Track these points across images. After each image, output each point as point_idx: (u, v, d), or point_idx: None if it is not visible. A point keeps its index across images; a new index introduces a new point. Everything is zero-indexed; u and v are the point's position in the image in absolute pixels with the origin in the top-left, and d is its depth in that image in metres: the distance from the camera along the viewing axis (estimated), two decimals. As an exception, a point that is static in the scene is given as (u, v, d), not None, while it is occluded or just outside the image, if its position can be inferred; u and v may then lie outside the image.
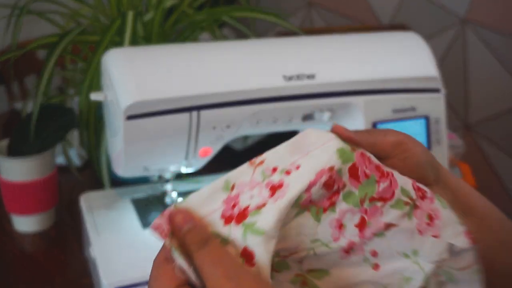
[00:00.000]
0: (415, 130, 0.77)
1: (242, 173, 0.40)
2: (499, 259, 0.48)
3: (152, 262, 0.68)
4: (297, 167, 0.40)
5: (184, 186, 0.85)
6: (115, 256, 0.69)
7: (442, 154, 0.78)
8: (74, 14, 0.94)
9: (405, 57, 0.78)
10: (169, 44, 0.90)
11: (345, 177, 0.40)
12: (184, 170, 0.75)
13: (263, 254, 0.37)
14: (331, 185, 0.40)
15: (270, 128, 0.75)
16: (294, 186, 0.39)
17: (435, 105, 0.78)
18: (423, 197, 0.43)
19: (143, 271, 0.66)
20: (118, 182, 0.93)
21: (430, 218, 0.42)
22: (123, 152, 0.67)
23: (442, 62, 1.83)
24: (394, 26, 1.75)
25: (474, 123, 1.83)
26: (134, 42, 0.81)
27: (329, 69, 0.73)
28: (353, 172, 0.40)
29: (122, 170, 0.72)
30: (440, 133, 0.78)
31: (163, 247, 0.41)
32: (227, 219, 0.39)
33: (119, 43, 0.82)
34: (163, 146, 0.69)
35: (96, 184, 0.96)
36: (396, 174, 0.42)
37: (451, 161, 1.05)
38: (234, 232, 0.38)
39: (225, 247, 0.38)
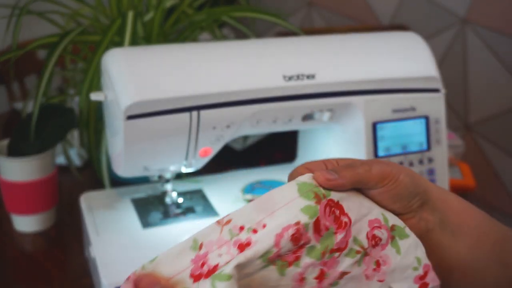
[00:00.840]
0: (415, 130, 0.77)
1: (210, 232, 0.41)
2: (492, 272, 0.48)
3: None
4: (263, 226, 0.40)
5: (184, 186, 0.85)
6: (115, 256, 0.69)
7: (442, 154, 0.78)
8: (74, 14, 0.94)
9: (405, 57, 0.78)
10: (169, 44, 0.90)
11: (310, 232, 0.41)
12: (184, 170, 0.75)
13: None
14: (298, 238, 0.41)
15: (270, 128, 0.75)
16: (262, 242, 0.40)
17: (435, 105, 0.78)
18: (375, 245, 0.44)
19: (143, 271, 0.66)
20: (118, 182, 0.93)
21: (378, 264, 0.44)
22: (123, 152, 0.67)
23: (442, 62, 1.83)
24: (394, 26, 1.75)
25: (474, 123, 1.83)
26: (134, 42, 0.81)
27: (329, 69, 0.73)
28: (316, 226, 0.41)
29: (122, 170, 0.72)
30: (440, 133, 0.78)
31: None
32: (196, 277, 0.40)
33: (119, 43, 0.83)
34: (163, 146, 0.69)
35: (96, 184, 0.96)
36: (353, 223, 0.43)
37: (451, 161, 1.05)
38: (203, 286, 0.39)
39: None
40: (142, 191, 0.84)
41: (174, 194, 0.80)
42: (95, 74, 0.84)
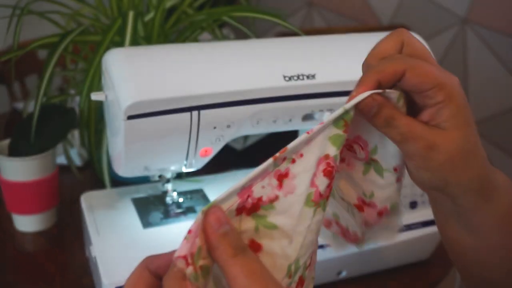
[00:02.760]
0: (415, 130, 0.77)
1: (262, 166, 0.41)
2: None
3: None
4: (301, 155, 0.42)
5: (185, 186, 0.85)
6: (116, 255, 0.69)
7: (441, 154, 0.78)
8: (75, 14, 0.94)
9: (405, 57, 0.78)
10: (170, 44, 0.91)
11: (337, 161, 0.43)
12: (185, 169, 0.76)
13: (270, 246, 0.40)
14: (331, 172, 0.42)
15: (270, 128, 0.75)
16: (301, 182, 0.41)
17: (435, 105, 0.78)
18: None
19: (144, 271, 0.66)
20: (118, 182, 0.93)
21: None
22: (124, 152, 0.67)
23: (442, 62, 1.83)
24: (394, 26, 1.76)
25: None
26: (135, 42, 0.81)
27: (329, 69, 0.73)
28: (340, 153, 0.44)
29: (123, 170, 0.72)
30: (439, 133, 0.78)
31: (177, 267, 0.38)
32: (239, 210, 0.40)
33: (119, 43, 0.83)
34: (164, 146, 0.69)
35: (97, 183, 0.96)
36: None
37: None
38: (245, 223, 0.40)
39: (260, 261, 0.37)
40: (142, 191, 0.84)
41: (175, 194, 0.80)
42: (96, 74, 0.84)
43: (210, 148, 0.72)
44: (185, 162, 0.73)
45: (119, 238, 0.72)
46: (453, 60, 1.81)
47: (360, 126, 0.47)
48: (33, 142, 0.85)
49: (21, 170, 0.85)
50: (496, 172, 0.47)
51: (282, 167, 0.41)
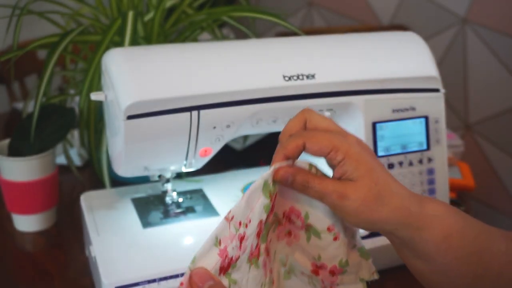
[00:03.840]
0: (415, 129, 0.77)
1: (223, 228, 0.50)
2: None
3: (152, 261, 0.68)
4: (249, 221, 0.51)
5: (184, 185, 0.85)
6: (115, 255, 0.69)
7: (441, 154, 0.79)
8: (74, 14, 0.94)
9: (405, 57, 0.78)
10: (169, 44, 0.91)
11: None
12: (184, 169, 0.76)
13: None
14: (259, 234, 0.52)
15: (270, 128, 0.75)
16: (249, 243, 0.51)
17: (435, 105, 0.78)
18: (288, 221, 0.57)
19: (143, 271, 0.66)
20: (118, 182, 0.93)
21: (289, 234, 0.57)
22: (123, 152, 0.67)
23: (442, 62, 1.83)
24: (394, 26, 1.76)
25: (473, 123, 1.83)
26: (135, 42, 0.81)
27: (329, 69, 0.73)
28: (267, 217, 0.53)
29: (122, 170, 0.72)
30: (439, 133, 0.78)
31: None
32: (221, 269, 0.50)
33: (119, 43, 0.83)
34: (163, 146, 0.69)
35: (97, 183, 0.96)
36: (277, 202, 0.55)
37: (450, 161, 1.05)
38: (224, 281, 0.50)
39: None
40: (142, 191, 0.84)
41: (174, 194, 0.80)
42: (95, 74, 0.84)
43: (210, 148, 0.72)
44: (185, 162, 0.73)
45: (119, 238, 0.72)
46: (453, 60, 1.81)
47: (290, 197, 0.55)
48: (33, 142, 0.85)
49: (21, 170, 0.85)
50: (428, 201, 0.53)
51: (241, 231, 0.50)
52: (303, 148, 0.53)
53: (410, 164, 0.77)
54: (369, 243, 0.75)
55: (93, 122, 0.89)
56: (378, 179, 0.51)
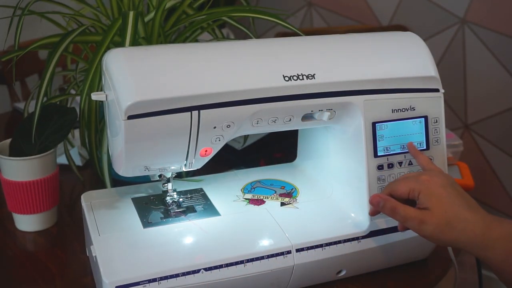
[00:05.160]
0: (414, 129, 0.77)
1: None
2: None
3: (152, 261, 0.68)
4: None
5: (185, 185, 0.86)
6: (116, 255, 0.69)
7: (441, 154, 0.79)
8: (75, 14, 0.95)
9: (404, 57, 0.78)
10: (170, 44, 0.91)
11: None
12: (185, 169, 0.76)
13: None
14: None
15: (270, 128, 0.75)
16: None
17: (434, 105, 0.78)
18: None
19: (144, 270, 0.66)
20: (119, 181, 0.93)
21: None
22: (124, 151, 0.68)
23: (441, 62, 1.83)
24: (394, 26, 1.76)
25: (472, 123, 1.84)
26: (135, 42, 0.81)
27: (329, 69, 0.73)
28: None
29: (123, 169, 0.72)
30: (439, 133, 0.79)
31: None
32: None
33: (120, 43, 0.83)
34: (164, 146, 0.69)
35: (97, 183, 0.96)
36: None
37: (450, 160, 1.06)
38: None
39: None
40: (142, 190, 0.84)
41: (175, 194, 0.80)
42: (96, 74, 0.85)
43: (210, 148, 0.73)
44: (185, 162, 0.73)
45: (120, 238, 0.73)
46: (452, 60, 1.81)
47: None
48: (34, 142, 0.85)
49: (22, 170, 0.85)
50: (498, 225, 0.64)
51: None
52: (391, 196, 0.69)
53: (410, 164, 0.77)
54: (369, 243, 0.75)
55: (94, 122, 0.90)
56: (447, 208, 0.65)
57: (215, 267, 0.68)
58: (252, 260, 0.70)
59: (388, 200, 0.68)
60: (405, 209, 0.67)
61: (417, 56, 0.78)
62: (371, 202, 0.70)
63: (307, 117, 0.76)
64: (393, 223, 0.75)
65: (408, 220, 0.66)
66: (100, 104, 0.89)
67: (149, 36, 0.91)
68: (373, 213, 0.73)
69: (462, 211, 0.64)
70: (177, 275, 0.67)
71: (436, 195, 0.65)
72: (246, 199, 0.83)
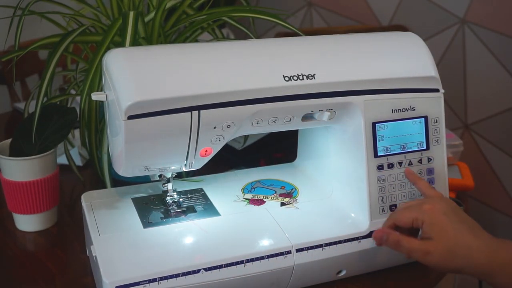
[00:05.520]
0: (414, 129, 0.77)
1: None
2: None
3: (153, 261, 0.68)
4: None
5: (185, 185, 0.86)
6: (116, 255, 0.69)
7: (441, 154, 0.79)
8: (75, 14, 0.95)
9: (404, 57, 0.78)
10: (170, 44, 0.91)
11: None
12: (185, 169, 0.76)
13: None
14: None
15: (270, 128, 0.75)
16: None
17: (434, 105, 0.78)
18: None
19: (144, 270, 0.66)
20: (119, 181, 0.93)
21: None
22: (124, 152, 0.68)
23: (441, 62, 1.83)
24: (394, 26, 1.76)
25: (472, 123, 1.84)
26: (135, 42, 0.81)
27: (329, 69, 0.73)
28: None
29: (123, 170, 0.72)
30: (439, 133, 0.79)
31: None
32: None
33: (120, 43, 0.83)
34: (164, 146, 0.69)
35: (97, 183, 0.96)
36: None
37: (450, 161, 1.06)
38: None
39: None
40: (143, 191, 0.84)
41: (175, 194, 0.80)
42: (96, 74, 0.85)
43: (210, 148, 0.73)
44: (185, 162, 0.73)
45: (120, 238, 0.73)
46: (452, 60, 1.81)
47: None
48: (34, 142, 0.85)
49: (22, 170, 0.85)
50: (503, 249, 0.64)
51: None
52: (395, 226, 0.70)
53: (410, 164, 0.78)
54: (369, 243, 0.75)
55: (94, 122, 0.90)
56: (449, 236, 0.65)
57: (215, 267, 0.68)
58: (252, 260, 0.70)
59: (391, 234, 0.69)
60: (408, 241, 0.67)
61: (417, 56, 0.78)
62: (374, 237, 0.71)
63: (307, 117, 0.76)
64: (393, 223, 0.75)
65: (412, 252, 0.67)
66: (100, 104, 0.89)
67: (149, 36, 0.91)
68: (379, 244, 0.72)
69: (464, 238, 0.65)
70: (177, 275, 0.67)
71: (438, 224, 0.66)
72: (246, 199, 0.83)
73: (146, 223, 0.76)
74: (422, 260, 0.66)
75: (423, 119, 0.78)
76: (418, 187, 0.75)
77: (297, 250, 0.72)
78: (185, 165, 0.74)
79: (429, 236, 0.66)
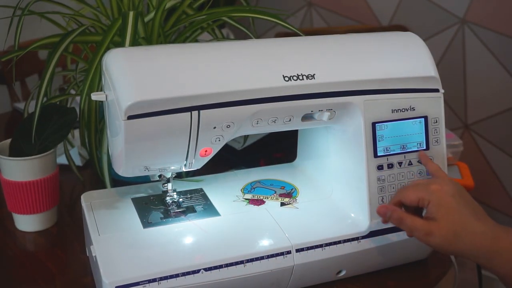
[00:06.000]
0: (414, 129, 0.77)
1: None
2: None
3: (152, 261, 0.68)
4: None
5: (185, 185, 0.86)
6: (116, 255, 0.69)
7: (441, 154, 0.79)
8: (75, 14, 0.95)
9: (404, 57, 0.78)
10: (170, 44, 0.91)
11: None
12: (185, 169, 0.76)
13: None
14: None
15: (270, 128, 0.75)
16: None
17: (434, 105, 0.78)
18: None
19: (144, 270, 0.66)
20: (119, 182, 0.93)
21: None
22: (124, 152, 0.68)
23: (441, 62, 1.83)
24: (394, 26, 1.76)
25: (472, 123, 1.84)
26: (135, 42, 0.81)
27: (329, 69, 0.73)
28: None
29: (123, 170, 0.72)
30: (439, 133, 0.79)
31: None
32: None
33: (120, 43, 0.83)
34: (164, 146, 0.69)
35: (97, 183, 0.96)
36: None
37: (449, 161, 1.06)
38: None
39: None
40: (142, 191, 0.84)
41: (175, 194, 0.80)
42: (96, 74, 0.85)
43: (210, 148, 0.73)
44: (185, 162, 0.73)
45: (120, 238, 0.73)
46: (452, 60, 1.81)
47: None
48: (34, 142, 0.85)
49: (22, 170, 0.85)
50: (505, 235, 0.64)
51: None
52: (401, 204, 0.71)
53: (410, 164, 0.78)
54: (369, 243, 0.75)
55: (94, 122, 0.90)
56: (455, 219, 0.65)
57: (215, 267, 0.68)
58: (252, 260, 0.70)
59: (395, 211, 0.69)
60: (412, 220, 0.67)
61: (417, 56, 0.78)
62: (378, 212, 0.71)
63: (307, 117, 0.76)
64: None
65: (414, 230, 0.66)
66: (100, 104, 0.89)
67: (149, 36, 0.91)
68: (384, 221, 0.73)
69: (470, 222, 0.65)
70: (177, 275, 0.67)
71: (445, 206, 0.66)
72: (246, 199, 0.83)
73: (146, 223, 0.76)
74: (423, 239, 0.66)
75: (423, 119, 0.78)
76: (428, 168, 0.75)
77: (297, 250, 0.72)
78: (185, 165, 0.74)
79: (433, 217, 0.66)
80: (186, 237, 0.74)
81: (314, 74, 0.72)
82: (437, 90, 0.78)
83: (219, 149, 0.74)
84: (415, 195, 0.68)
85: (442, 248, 0.65)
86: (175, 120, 0.66)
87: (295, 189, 0.86)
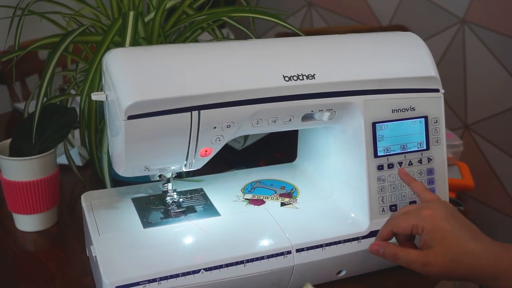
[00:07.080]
0: (414, 129, 0.77)
1: None
2: None
3: (152, 261, 0.68)
4: None
5: (185, 185, 0.86)
6: (116, 255, 0.69)
7: (441, 154, 0.79)
8: (75, 14, 0.95)
9: (404, 57, 0.78)
10: (170, 44, 0.91)
11: None
12: (185, 169, 0.76)
13: None
14: None
15: (270, 128, 0.75)
16: None
17: (434, 105, 0.78)
18: None
19: (144, 270, 0.66)
20: (119, 182, 0.93)
21: None
22: (124, 152, 0.68)
23: (441, 62, 1.83)
24: (394, 26, 1.76)
25: (472, 123, 1.84)
26: (135, 42, 0.81)
27: (329, 69, 0.73)
28: None
29: (123, 170, 0.72)
30: (439, 133, 0.79)
31: None
32: None
33: (120, 43, 0.83)
34: (164, 146, 0.69)
35: (97, 183, 0.96)
36: None
37: (450, 161, 1.06)
38: None
39: None
40: (143, 191, 0.84)
41: (175, 194, 0.80)
42: (96, 74, 0.85)
43: (210, 148, 0.73)
44: (185, 162, 0.73)
45: (120, 238, 0.73)
46: (452, 60, 1.81)
47: None
48: (34, 142, 0.85)
49: (22, 170, 0.85)
50: (507, 253, 0.62)
51: None
52: (393, 233, 0.69)
53: (410, 164, 0.78)
54: (369, 243, 0.75)
55: (94, 122, 0.90)
56: (451, 244, 0.63)
57: (215, 267, 0.68)
58: (252, 260, 0.70)
59: (387, 247, 0.67)
60: (406, 253, 0.65)
61: (417, 56, 0.78)
62: (370, 250, 0.69)
63: (307, 117, 0.76)
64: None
65: (411, 263, 0.65)
66: (100, 104, 0.89)
67: (149, 36, 0.91)
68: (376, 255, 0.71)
69: (467, 244, 0.63)
70: (177, 275, 0.67)
71: (439, 231, 0.64)
72: (246, 199, 0.83)
73: (146, 223, 0.76)
74: (421, 271, 0.64)
75: (423, 119, 0.78)
76: (413, 189, 0.72)
77: (297, 250, 0.72)
78: (185, 165, 0.74)
79: (429, 244, 0.64)
80: (186, 237, 0.74)
81: (314, 74, 0.72)
82: (437, 90, 0.78)
83: (219, 149, 0.74)
84: (408, 223, 0.66)
85: (443, 276, 0.64)
86: (175, 120, 0.66)
87: (295, 189, 0.86)
